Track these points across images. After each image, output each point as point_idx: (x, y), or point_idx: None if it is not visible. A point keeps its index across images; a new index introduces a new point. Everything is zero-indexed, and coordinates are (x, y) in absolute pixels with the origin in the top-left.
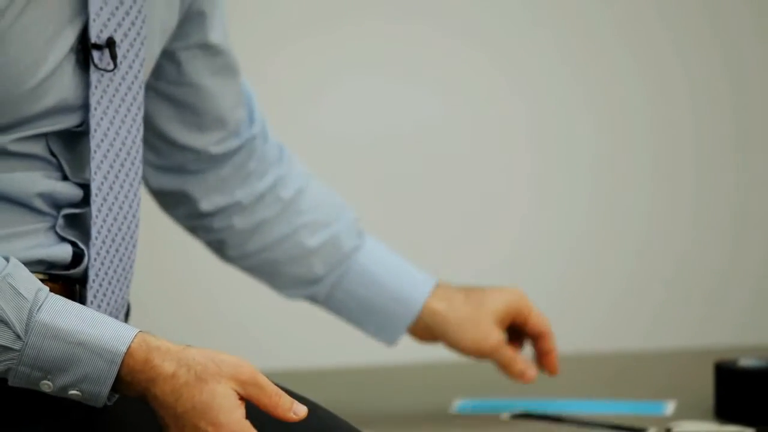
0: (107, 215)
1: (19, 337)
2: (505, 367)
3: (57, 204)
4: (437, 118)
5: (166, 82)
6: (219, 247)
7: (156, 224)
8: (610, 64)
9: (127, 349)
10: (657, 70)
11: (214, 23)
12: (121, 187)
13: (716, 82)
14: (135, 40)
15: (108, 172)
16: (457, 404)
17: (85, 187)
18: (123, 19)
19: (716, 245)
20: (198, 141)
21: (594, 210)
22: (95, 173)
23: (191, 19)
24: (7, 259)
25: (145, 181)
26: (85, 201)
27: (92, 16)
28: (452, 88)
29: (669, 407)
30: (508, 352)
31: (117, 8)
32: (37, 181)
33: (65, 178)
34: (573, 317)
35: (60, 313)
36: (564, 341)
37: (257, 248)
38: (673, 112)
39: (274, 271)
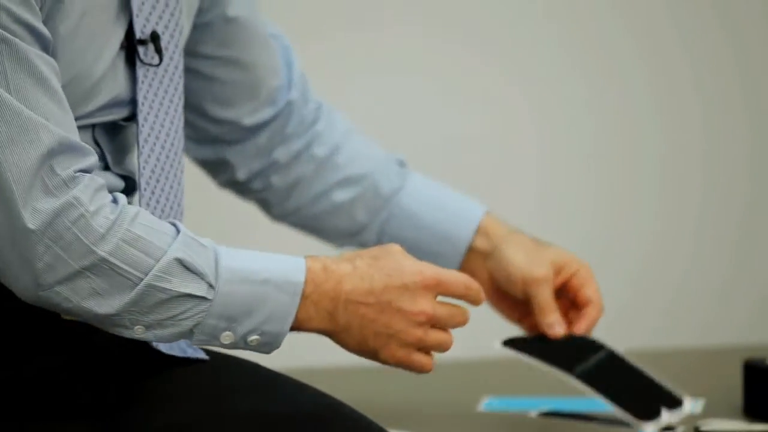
0: (155, 207)
1: (211, 286)
2: (539, 309)
3: None
4: (445, 120)
5: (191, 56)
6: (263, 206)
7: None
8: (618, 66)
9: (305, 277)
10: (666, 71)
11: None
12: (167, 179)
13: (726, 82)
14: (174, 31)
15: (155, 166)
16: (485, 402)
17: (126, 179)
18: (163, 11)
19: (724, 244)
20: (229, 113)
21: (602, 210)
22: (143, 168)
23: None
24: (173, 224)
25: (186, 151)
26: (126, 192)
27: (135, 11)
28: (460, 90)
29: (697, 405)
30: (550, 293)
31: (157, 1)
32: None
33: (107, 168)
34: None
35: (235, 257)
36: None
37: (298, 205)
38: (682, 112)
39: (319, 225)
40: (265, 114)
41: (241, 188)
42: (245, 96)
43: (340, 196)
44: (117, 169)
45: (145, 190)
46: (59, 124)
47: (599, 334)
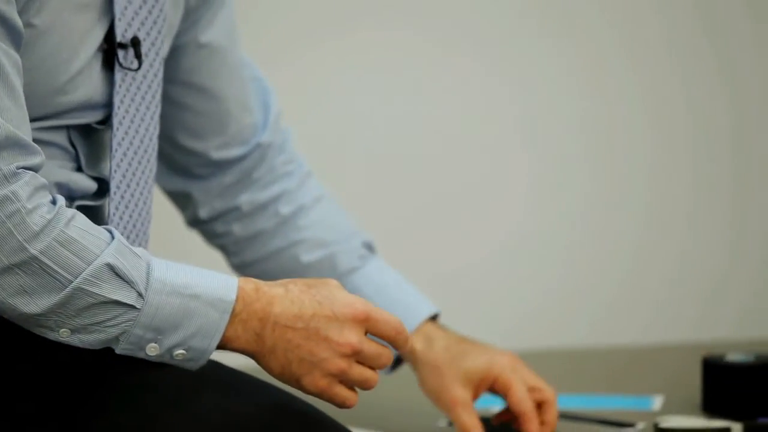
0: (123, 212)
1: (140, 295)
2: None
3: (71, 195)
4: (436, 118)
5: (164, 81)
6: (225, 253)
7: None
8: (606, 63)
9: (236, 295)
10: (653, 67)
11: (211, 21)
12: (137, 184)
13: (712, 80)
14: (156, 38)
15: (126, 170)
16: None
17: (99, 181)
18: (146, 18)
19: (714, 242)
20: (198, 144)
21: (591, 207)
22: (114, 171)
23: (186, 16)
24: (108, 230)
25: (156, 179)
26: (99, 194)
27: (117, 15)
28: (449, 90)
29: (656, 402)
30: (463, 416)
31: (140, 7)
32: (52, 171)
33: (79, 169)
34: (564, 313)
35: (168, 269)
36: (556, 337)
37: (254, 258)
38: (670, 111)
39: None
40: (234, 151)
41: (204, 228)
42: (214, 128)
43: (303, 256)
44: (91, 171)
45: (114, 194)
46: (10, 119)
47: (591, 330)
